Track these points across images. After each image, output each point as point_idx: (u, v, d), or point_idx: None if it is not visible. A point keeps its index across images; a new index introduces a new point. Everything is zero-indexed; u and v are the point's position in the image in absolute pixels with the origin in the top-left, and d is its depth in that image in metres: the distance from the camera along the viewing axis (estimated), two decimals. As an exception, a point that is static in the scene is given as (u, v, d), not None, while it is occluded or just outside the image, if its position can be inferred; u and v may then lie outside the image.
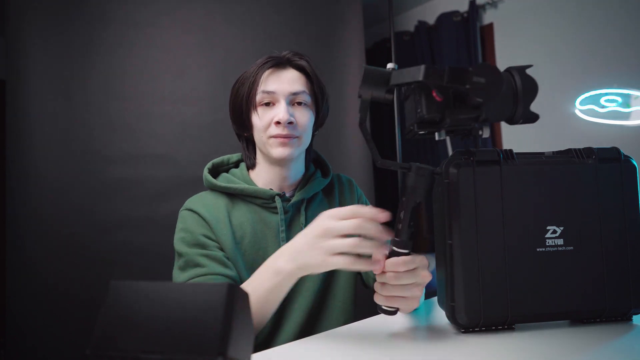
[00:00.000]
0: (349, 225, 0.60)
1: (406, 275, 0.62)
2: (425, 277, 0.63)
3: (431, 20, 2.87)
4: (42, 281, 1.61)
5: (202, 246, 0.82)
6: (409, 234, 0.62)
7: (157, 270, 1.59)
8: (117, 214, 1.64)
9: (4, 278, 1.75)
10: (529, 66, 0.59)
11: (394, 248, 0.62)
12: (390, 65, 0.63)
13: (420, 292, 0.64)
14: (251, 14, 1.85)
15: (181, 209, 0.89)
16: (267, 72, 0.86)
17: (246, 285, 0.70)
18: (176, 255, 0.85)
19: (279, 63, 0.87)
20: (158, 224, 1.64)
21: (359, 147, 2.19)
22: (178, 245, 0.84)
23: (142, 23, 1.72)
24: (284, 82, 0.85)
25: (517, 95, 0.57)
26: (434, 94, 0.58)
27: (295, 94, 0.86)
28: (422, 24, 2.87)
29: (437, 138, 0.63)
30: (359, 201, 1.02)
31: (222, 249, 0.84)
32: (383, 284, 0.64)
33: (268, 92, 0.84)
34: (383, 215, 0.60)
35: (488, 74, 0.54)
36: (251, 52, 1.79)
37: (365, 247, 0.60)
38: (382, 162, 0.62)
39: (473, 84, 0.55)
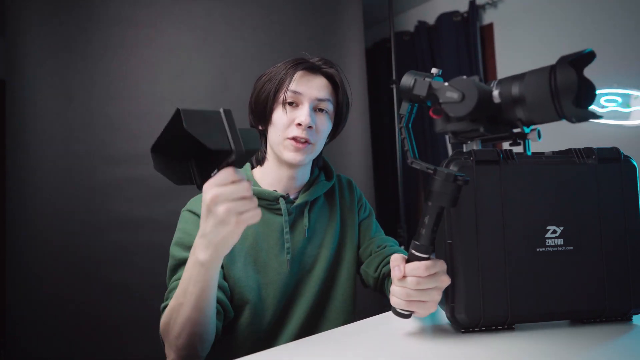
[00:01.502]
0: (232, 189, 0.55)
1: (427, 280, 0.60)
2: (445, 281, 0.62)
3: (431, 20, 2.86)
4: (41, 281, 1.61)
5: None
6: (431, 239, 0.60)
7: (157, 270, 1.58)
8: (117, 214, 1.64)
9: (3, 278, 1.74)
10: (579, 54, 0.51)
11: (414, 252, 0.61)
12: (434, 70, 0.62)
13: (439, 297, 0.63)
14: (251, 14, 1.85)
15: (183, 208, 0.89)
16: (299, 73, 0.86)
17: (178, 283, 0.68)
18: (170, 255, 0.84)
19: (311, 68, 0.88)
20: (158, 224, 1.64)
21: (359, 147, 2.19)
22: (173, 247, 0.83)
23: (142, 23, 1.72)
24: (313, 86, 0.87)
25: (555, 92, 0.49)
26: (431, 113, 0.57)
27: (320, 100, 0.87)
28: (422, 24, 2.87)
29: (466, 149, 0.60)
30: (358, 202, 1.02)
31: None
32: (402, 287, 0.62)
33: (295, 92, 0.85)
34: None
35: (464, 89, 0.51)
36: (251, 52, 1.79)
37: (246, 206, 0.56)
38: (412, 161, 0.61)
39: (446, 99, 0.52)
